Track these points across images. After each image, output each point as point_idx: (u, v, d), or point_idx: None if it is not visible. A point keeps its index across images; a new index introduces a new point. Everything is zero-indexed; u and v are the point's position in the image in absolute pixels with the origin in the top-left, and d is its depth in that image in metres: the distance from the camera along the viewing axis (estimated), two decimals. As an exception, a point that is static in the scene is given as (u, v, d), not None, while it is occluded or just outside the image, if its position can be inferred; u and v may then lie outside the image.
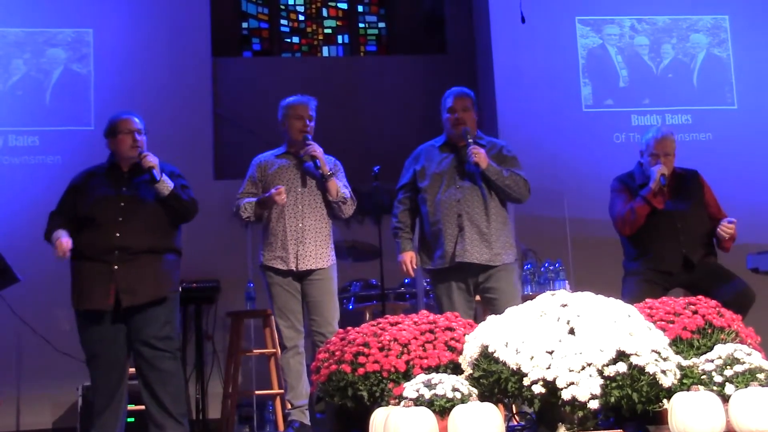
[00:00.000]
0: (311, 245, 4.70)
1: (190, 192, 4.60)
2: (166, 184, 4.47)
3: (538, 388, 2.75)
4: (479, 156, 4.60)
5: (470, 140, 4.67)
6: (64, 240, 4.34)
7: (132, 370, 4.55)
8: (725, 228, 4.76)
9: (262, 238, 4.85)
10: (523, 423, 3.40)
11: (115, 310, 4.39)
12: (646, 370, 2.75)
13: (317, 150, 4.73)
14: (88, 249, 4.41)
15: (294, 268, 4.67)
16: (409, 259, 4.77)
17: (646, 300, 3.45)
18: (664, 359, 2.83)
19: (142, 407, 5.47)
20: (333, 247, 4.83)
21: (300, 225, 4.71)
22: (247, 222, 4.89)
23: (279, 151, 4.91)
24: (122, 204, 4.46)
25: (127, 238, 4.39)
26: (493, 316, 3.16)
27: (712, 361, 2.97)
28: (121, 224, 4.40)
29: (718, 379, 2.90)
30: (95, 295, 4.36)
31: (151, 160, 4.46)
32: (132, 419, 5.01)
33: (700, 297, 3.39)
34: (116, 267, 4.36)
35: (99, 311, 4.38)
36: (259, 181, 4.85)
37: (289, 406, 4.75)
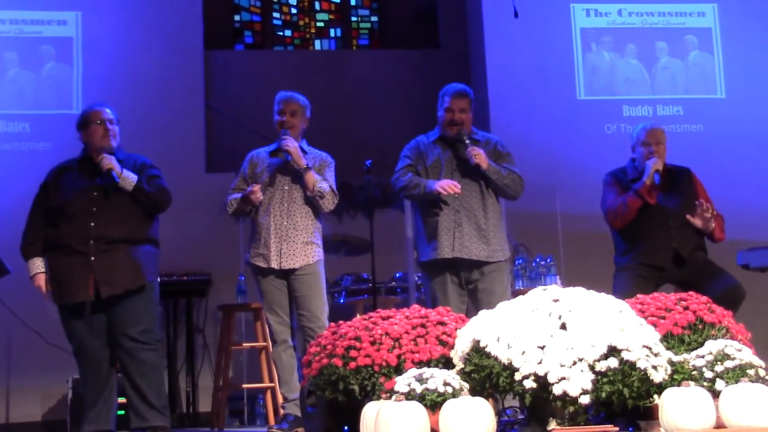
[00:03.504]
0: (296, 243, 4.69)
1: (160, 182, 4.59)
2: (129, 180, 4.46)
3: (529, 383, 2.75)
4: (480, 157, 4.61)
5: (467, 140, 4.67)
6: (42, 283, 4.46)
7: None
8: (700, 214, 4.78)
9: (249, 234, 4.86)
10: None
11: (95, 302, 4.39)
12: (637, 365, 2.76)
13: (290, 144, 4.70)
14: (64, 241, 4.41)
15: (276, 267, 4.67)
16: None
17: (638, 295, 3.46)
18: (655, 355, 2.83)
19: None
20: (320, 243, 4.81)
21: (285, 222, 4.70)
22: (235, 217, 4.91)
23: (272, 147, 4.90)
24: (95, 194, 4.46)
25: (102, 228, 4.40)
26: (485, 310, 3.16)
27: (703, 356, 2.98)
28: (95, 214, 4.41)
29: (708, 374, 2.91)
30: (75, 288, 4.37)
31: (108, 162, 4.44)
32: (122, 412, 4.98)
33: (691, 293, 3.40)
34: (93, 258, 4.37)
35: (80, 304, 4.39)
36: (249, 178, 4.85)
37: (281, 400, 4.76)
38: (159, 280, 4.70)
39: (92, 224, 4.40)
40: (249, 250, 4.81)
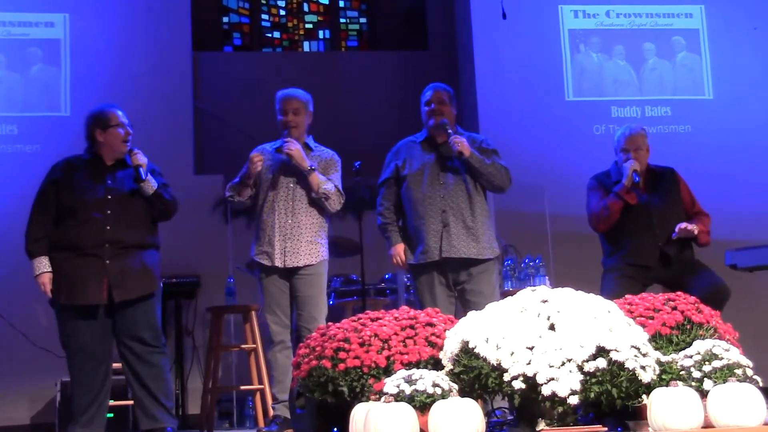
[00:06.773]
0: (300, 241, 4.66)
1: (170, 190, 4.59)
2: (151, 184, 4.47)
3: (518, 384, 2.75)
4: (462, 144, 4.59)
5: (449, 130, 4.67)
6: (47, 282, 4.37)
7: (116, 365, 4.52)
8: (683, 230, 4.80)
9: (254, 231, 4.82)
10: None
11: (105, 305, 4.36)
12: (626, 365, 2.76)
13: (293, 147, 4.66)
14: (76, 242, 4.36)
15: (280, 265, 4.64)
16: (402, 250, 4.76)
17: (626, 296, 3.46)
18: (644, 355, 2.84)
19: (122, 402, 5.43)
20: (325, 243, 4.78)
21: (289, 221, 4.67)
22: (236, 203, 4.80)
23: (276, 144, 4.86)
24: (109, 197, 4.43)
25: (117, 232, 4.38)
26: (473, 311, 3.16)
27: (691, 356, 2.98)
28: (110, 217, 4.38)
29: (696, 374, 2.92)
30: (89, 290, 4.31)
31: (140, 158, 4.46)
32: (110, 414, 4.97)
33: (679, 293, 3.41)
34: (108, 261, 4.34)
35: (90, 306, 4.35)
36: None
37: (271, 401, 4.74)
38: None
39: (107, 228, 4.36)
40: (253, 247, 4.77)
